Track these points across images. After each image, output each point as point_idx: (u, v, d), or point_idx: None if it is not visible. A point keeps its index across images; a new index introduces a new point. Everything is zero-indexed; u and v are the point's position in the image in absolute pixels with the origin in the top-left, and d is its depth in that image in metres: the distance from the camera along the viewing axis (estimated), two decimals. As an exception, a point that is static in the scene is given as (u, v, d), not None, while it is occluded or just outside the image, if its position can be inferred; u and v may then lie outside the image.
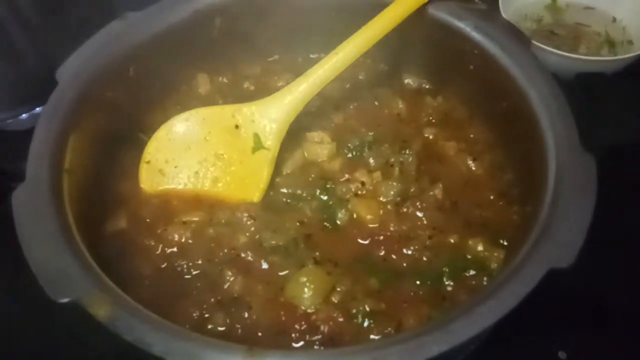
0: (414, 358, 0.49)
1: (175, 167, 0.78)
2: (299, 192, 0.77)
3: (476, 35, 0.78)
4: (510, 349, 0.75)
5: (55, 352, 0.77)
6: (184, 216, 0.75)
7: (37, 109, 0.99)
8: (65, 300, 0.52)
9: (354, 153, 0.81)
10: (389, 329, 0.63)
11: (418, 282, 0.68)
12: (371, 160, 0.80)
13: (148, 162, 0.78)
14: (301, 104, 0.77)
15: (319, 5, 0.87)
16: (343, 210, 0.74)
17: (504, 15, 1.07)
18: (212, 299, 0.67)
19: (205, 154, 0.78)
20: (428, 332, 0.51)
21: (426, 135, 0.83)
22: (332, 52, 0.76)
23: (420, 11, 0.80)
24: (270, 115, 0.77)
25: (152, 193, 0.78)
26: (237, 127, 0.78)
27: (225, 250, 0.71)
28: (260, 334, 0.64)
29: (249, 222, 0.73)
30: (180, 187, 0.78)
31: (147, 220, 0.75)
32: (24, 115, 1.01)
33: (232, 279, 0.68)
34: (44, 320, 0.77)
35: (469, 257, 0.70)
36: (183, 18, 0.83)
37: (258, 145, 0.77)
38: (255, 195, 0.77)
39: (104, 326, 0.53)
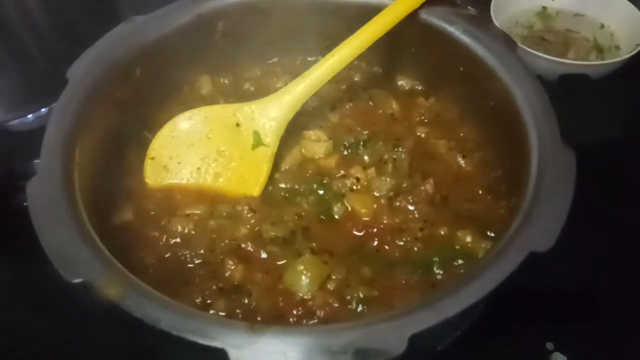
0: (402, 333, 0.52)
1: (179, 163, 0.80)
2: (296, 187, 0.80)
3: (465, 39, 0.81)
4: (498, 339, 0.77)
5: (57, 343, 0.79)
6: (187, 209, 0.77)
7: (43, 109, 1.01)
8: (78, 280, 0.55)
9: (350, 150, 0.83)
10: (381, 314, 0.66)
11: (409, 271, 0.71)
12: (366, 158, 0.82)
13: (153, 158, 0.80)
14: (299, 103, 0.80)
15: (316, 10, 0.90)
16: (339, 204, 0.77)
17: (495, 21, 1.09)
18: (214, 286, 0.69)
19: (208, 150, 0.81)
20: (415, 310, 0.54)
21: (418, 134, 0.86)
22: (328, 55, 0.79)
23: (413, 16, 0.83)
24: (270, 114, 0.80)
25: (156, 187, 0.80)
26: (237, 125, 0.81)
27: (227, 241, 0.73)
28: (259, 318, 0.66)
29: (249, 215, 0.76)
30: (183, 182, 0.80)
31: (152, 212, 0.77)
32: (30, 115, 1.02)
33: (233, 267, 0.70)
34: (48, 313, 0.80)
35: (457, 247, 0.72)
36: (187, 22, 0.86)
37: (258, 143, 0.80)
38: (255, 190, 0.79)
39: (110, 308, 0.56)
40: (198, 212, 0.77)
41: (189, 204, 0.78)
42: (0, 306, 0.83)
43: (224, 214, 0.77)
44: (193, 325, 0.53)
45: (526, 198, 0.63)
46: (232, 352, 0.51)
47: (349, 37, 0.79)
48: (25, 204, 0.63)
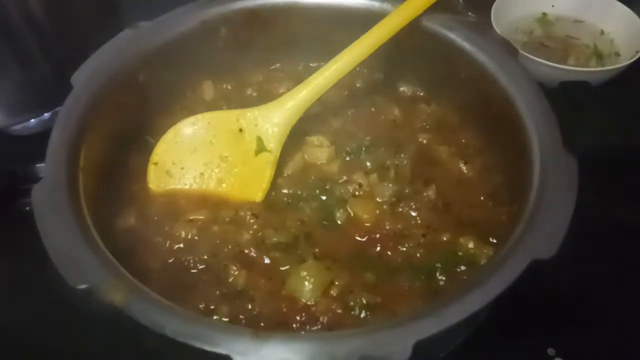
0: (406, 340, 0.52)
1: (182, 168, 0.81)
2: (299, 192, 0.80)
3: (466, 46, 0.81)
4: (499, 345, 0.78)
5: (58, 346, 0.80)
6: (190, 214, 0.77)
7: (46, 114, 1.02)
8: (83, 286, 0.55)
9: (352, 156, 0.84)
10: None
11: (412, 277, 0.71)
12: (368, 163, 0.82)
13: (156, 164, 0.81)
14: (302, 109, 0.80)
15: (318, 17, 0.90)
16: (341, 210, 0.77)
17: (496, 27, 1.10)
18: (217, 292, 0.69)
19: (211, 156, 0.81)
20: (420, 317, 0.54)
21: (420, 140, 0.86)
22: (331, 61, 0.79)
23: (415, 23, 0.83)
24: (273, 119, 0.80)
25: (159, 193, 0.80)
26: (241, 130, 0.81)
27: (230, 247, 0.74)
28: (262, 324, 0.66)
29: (252, 221, 0.76)
30: (186, 187, 0.80)
31: (155, 218, 0.77)
32: (32, 120, 1.02)
33: (236, 273, 0.71)
34: (49, 316, 0.81)
35: (460, 253, 0.73)
36: (190, 28, 0.86)
37: (261, 148, 0.81)
38: (258, 195, 0.80)
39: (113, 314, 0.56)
40: (201, 217, 0.77)
41: (192, 209, 0.78)
42: (0, 309, 0.83)
43: (227, 219, 0.77)
44: (198, 332, 0.53)
45: (528, 205, 0.64)
46: (237, 359, 0.52)
47: (352, 43, 0.80)
48: (27, 207, 0.64)
